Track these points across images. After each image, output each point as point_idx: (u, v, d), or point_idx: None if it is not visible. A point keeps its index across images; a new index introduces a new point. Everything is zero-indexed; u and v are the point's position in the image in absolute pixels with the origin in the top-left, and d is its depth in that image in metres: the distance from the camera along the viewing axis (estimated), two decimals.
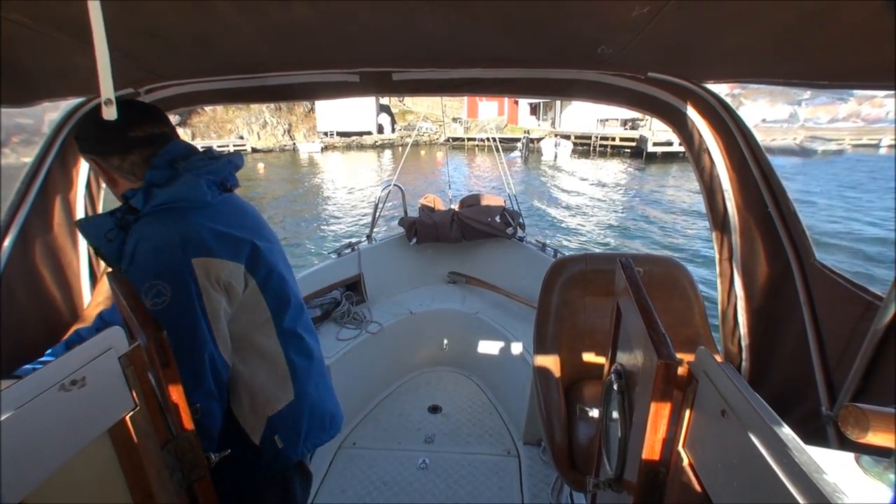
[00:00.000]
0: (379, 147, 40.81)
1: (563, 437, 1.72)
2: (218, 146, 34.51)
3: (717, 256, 1.48)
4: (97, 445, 0.69)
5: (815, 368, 1.10)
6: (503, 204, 3.75)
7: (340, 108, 40.14)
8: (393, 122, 44.57)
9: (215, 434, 1.04)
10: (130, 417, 0.73)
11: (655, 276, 1.86)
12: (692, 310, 1.87)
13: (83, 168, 1.61)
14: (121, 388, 0.73)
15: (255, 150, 37.76)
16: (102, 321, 1.32)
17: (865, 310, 0.97)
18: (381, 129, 43.24)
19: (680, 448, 0.74)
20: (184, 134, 35.78)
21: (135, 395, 0.75)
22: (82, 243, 1.63)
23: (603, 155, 34.32)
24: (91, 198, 1.67)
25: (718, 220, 1.44)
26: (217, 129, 37.77)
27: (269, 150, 38.60)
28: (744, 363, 1.41)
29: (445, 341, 3.27)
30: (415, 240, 3.49)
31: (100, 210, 1.71)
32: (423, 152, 39.06)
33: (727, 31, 0.84)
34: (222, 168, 1.13)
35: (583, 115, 37.79)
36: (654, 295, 0.94)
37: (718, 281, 1.48)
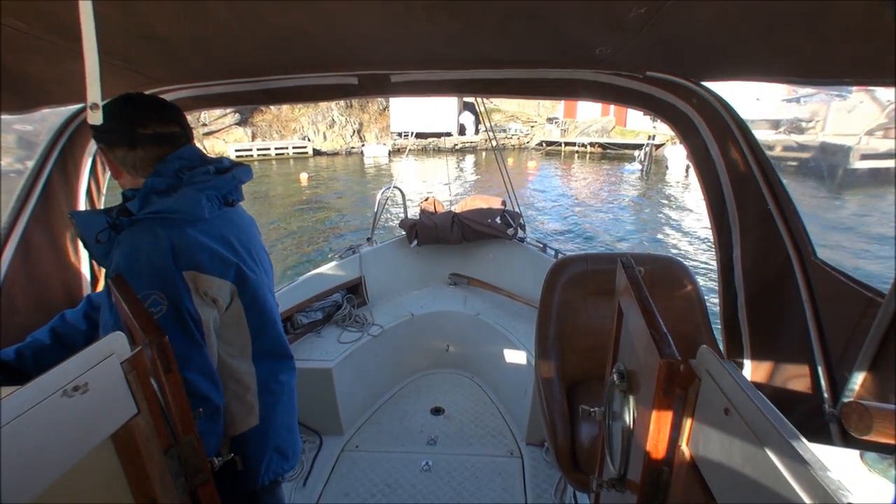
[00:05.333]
0: (459, 151, 33.32)
1: (566, 438, 1.71)
2: (276, 149, 30.48)
3: (717, 254, 1.48)
4: (100, 451, 0.69)
5: (817, 366, 1.10)
6: (503, 205, 3.76)
7: (418, 105, 33.64)
8: (477, 122, 35.19)
9: (214, 445, 1.05)
10: (133, 423, 0.73)
11: (657, 276, 1.85)
12: (694, 308, 1.87)
13: (84, 173, 1.61)
14: (123, 394, 0.72)
15: (317, 153, 32.15)
16: (90, 303, 1.32)
17: (867, 307, 0.97)
18: (462, 130, 35.44)
19: (683, 447, 0.74)
20: (244, 133, 30.88)
21: (137, 400, 0.75)
22: (84, 249, 1.63)
23: None
24: (92, 203, 1.67)
25: (719, 217, 1.44)
26: (280, 128, 32.88)
27: (335, 153, 32.91)
28: (746, 361, 1.40)
29: (447, 343, 3.26)
30: (415, 242, 3.49)
31: None
32: (510, 159, 29.60)
33: (725, 30, 0.84)
34: (226, 183, 1.12)
35: None
36: (656, 294, 0.94)
37: (719, 279, 1.48)
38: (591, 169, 26.24)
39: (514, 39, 1.07)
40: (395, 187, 3.86)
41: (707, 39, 0.94)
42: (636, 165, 24.74)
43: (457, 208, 3.83)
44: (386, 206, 3.82)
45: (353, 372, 2.67)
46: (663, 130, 29.13)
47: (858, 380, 0.95)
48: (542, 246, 3.37)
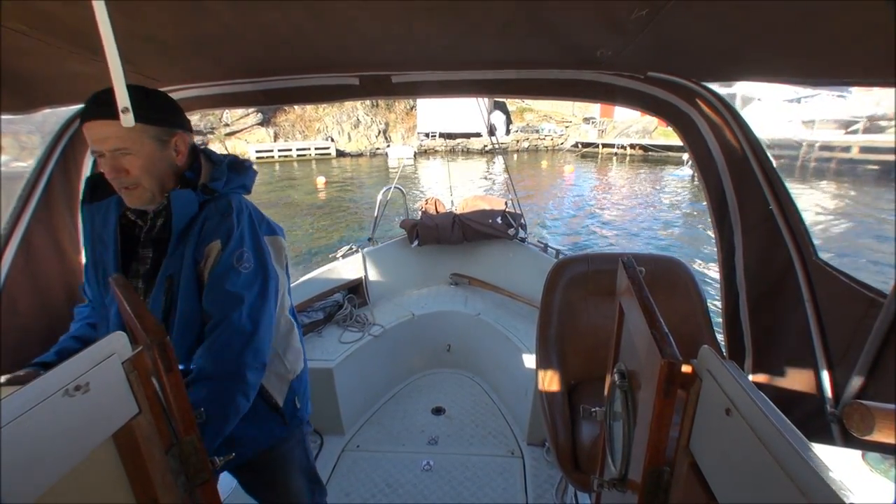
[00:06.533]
0: (488, 153, 31.39)
1: (567, 438, 1.71)
2: (298, 149, 29.49)
3: (718, 255, 1.48)
4: (102, 451, 0.69)
5: (819, 366, 1.10)
6: (504, 206, 3.76)
7: (446, 105, 31.54)
8: (508, 122, 33.91)
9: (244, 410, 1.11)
10: (134, 422, 0.73)
11: (658, 276, 1.85)
12: (695, 308, 1.86)
13: (84, 174, 1.61)
14: (125, 393, 0.73)
15: (340, 154, 30.93)
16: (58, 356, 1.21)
17: (868, 307, 0.97)
18: (492, 131, 32.17)
19: (684, 447, 0.74)
20: (266, 134, 30.18)
21: (138, 399, 0.75)
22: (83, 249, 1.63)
23: (819, 175, 15.75)
24: None
25: (720, 218, 1.44)
26: (303, 128, 31.74)
27: (359, 155, 31.60)
28: (747, 361, 1.40)
29: (448, 343, 3.26)
30: (416, 242, 3.50)
31: None
32: (544, 162, 28.63)
33: (726, 31, 0.84)
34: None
35: (769, 115, 14.17)
36: (657, 294, 0.94)
37: (721, 279, 1.48)
38: (635, 173, 23.41)
39: (516, 41, 1.07)
40: (395, 188, 3.86)
41: (708, 40, 0.94)
42: (686, 170, 21.53)
43: (458, 209, 3.83)
44: (386, 207, 3.82)
45: (354, 372, 2.67)
46: None
47: (860, 380, 0.95)
48: (542, 246, 3.37)
